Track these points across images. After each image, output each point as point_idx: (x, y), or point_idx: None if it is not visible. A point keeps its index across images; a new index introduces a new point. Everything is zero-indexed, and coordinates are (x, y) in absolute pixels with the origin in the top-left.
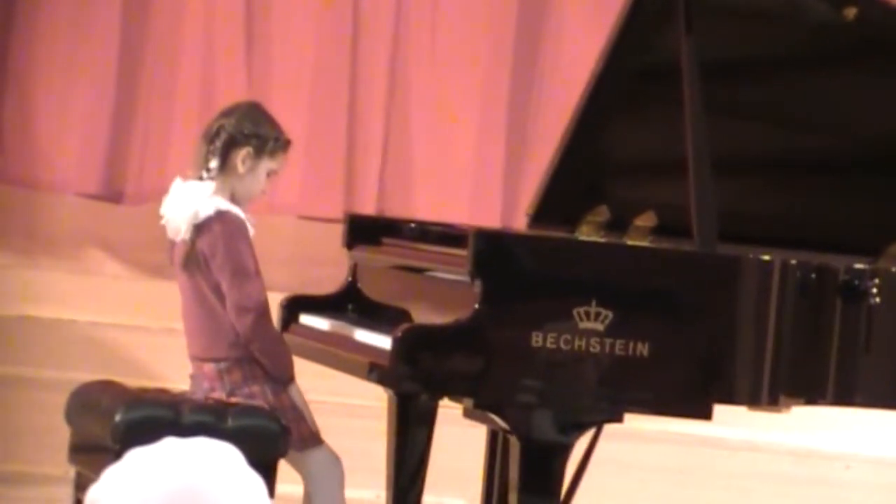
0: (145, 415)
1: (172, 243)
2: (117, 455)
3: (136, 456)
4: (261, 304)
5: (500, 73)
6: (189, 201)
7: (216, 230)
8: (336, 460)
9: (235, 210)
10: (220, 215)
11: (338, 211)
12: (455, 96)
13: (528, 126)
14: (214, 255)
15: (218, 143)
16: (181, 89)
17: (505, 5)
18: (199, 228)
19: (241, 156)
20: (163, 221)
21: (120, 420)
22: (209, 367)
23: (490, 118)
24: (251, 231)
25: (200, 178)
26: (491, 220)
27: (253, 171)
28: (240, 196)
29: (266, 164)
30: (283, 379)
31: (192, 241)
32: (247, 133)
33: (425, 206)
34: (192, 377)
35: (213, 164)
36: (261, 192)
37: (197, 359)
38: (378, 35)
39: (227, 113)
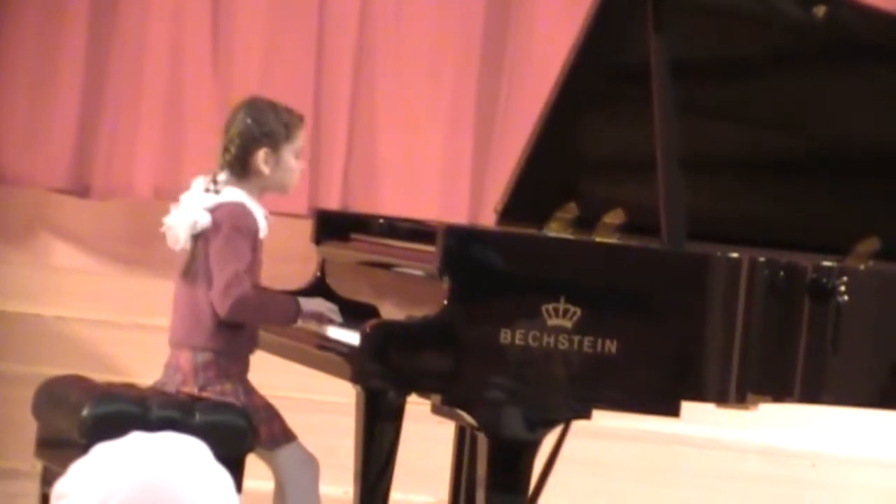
0: (113, 410)
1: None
2: (84, 450)
3: (103, 450)
4: (240, 285)
5: (468, 67)
6: (188, 211)
7: (217, 218)
8: (309, 458)
9: (250, 205)
10: (220, 207)
11: (303, 207)
12: (421, 91)
13: (495, 121)
14: (212, 241)
15: (227, 157)
16: (147, 83)
17: None
18: (198, 235)
19: (261, 158)
20: (163, 229)
21: (87, 415)
22: (185, 358)
23: (457, 113)
24: (263, 230)
25: (207, 191)
26: (458, 216)
27: (279, 165)
28: (277, 188)
29: (289, 150)
30: (293, 319)
31: (192, 250)
32: (256, 135)
33: (391, 202)
34: (166, 366)
35: (222, 176)
36: (299, 173)
37: (176, 344)
38: (343, 30)
39: (227, 125)
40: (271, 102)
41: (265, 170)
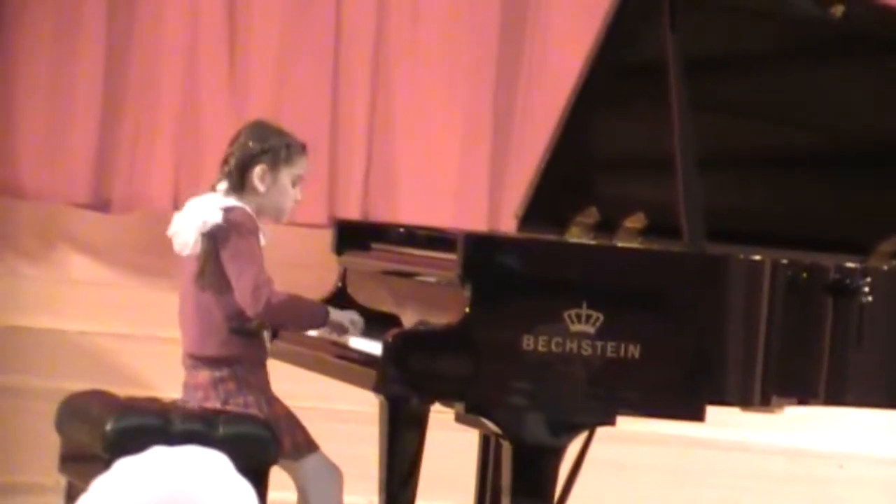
0: (135, 424)
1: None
2: (107, 464)
3: (125, 465)
4: (269, 286)
5: (485, 74)
6: (196, 213)
7: (229, 219)
8: (333, 467)
9: (246, 208)
10: (230, 210)
11: (322, 216)
12: (439, 98)
13: (512, 128)
14: (226, 244)
15: (226, 168)
16: (166, 97)
17: (488, 5)
18: (209, 235)
19: (257, 174)
20: (169, 233)
21: (110, 429)
22: (203, 377)
23: (474, 120)
24: (263, 240)
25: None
26: (477, 223)
27: (275, 185)
28: (272, 212)
29: (287, 173)
30: (321, 324)
31: (205, 253)
32: (255, 151)
33: (410, 210)
34: (185, 386)
35: (221, 185)
36: (294, 202)
37: (191, 358)
38: (360, 39)
39: (232, 140)
40: (277, 127)
41: (260, 187)
